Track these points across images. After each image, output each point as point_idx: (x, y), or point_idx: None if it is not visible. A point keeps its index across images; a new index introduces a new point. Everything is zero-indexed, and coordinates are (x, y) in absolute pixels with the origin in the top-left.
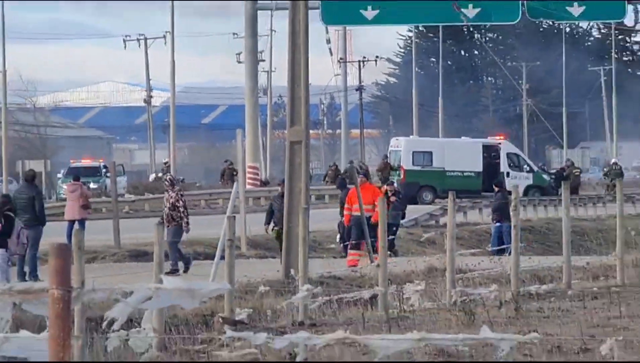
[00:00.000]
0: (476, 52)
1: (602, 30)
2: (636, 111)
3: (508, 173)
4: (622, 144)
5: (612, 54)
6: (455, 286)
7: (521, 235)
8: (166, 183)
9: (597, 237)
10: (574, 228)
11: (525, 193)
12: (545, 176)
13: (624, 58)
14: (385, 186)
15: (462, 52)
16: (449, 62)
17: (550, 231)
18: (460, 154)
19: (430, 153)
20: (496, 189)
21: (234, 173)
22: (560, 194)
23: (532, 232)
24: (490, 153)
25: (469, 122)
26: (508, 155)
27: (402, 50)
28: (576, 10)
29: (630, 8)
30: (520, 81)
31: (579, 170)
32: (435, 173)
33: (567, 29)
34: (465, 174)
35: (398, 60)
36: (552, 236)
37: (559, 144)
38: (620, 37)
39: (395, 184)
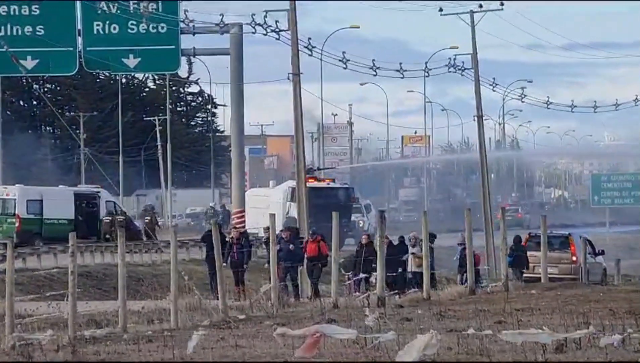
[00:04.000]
0: (35, 102)
1: (158, 82)
2: (189, 158)
3: None
4: (176, 191)
5: (167, 104)
6: (13, 331)
7: (79, 280)
8: None
9: (152, 282)
10: (130, 274)
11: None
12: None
13: (179, 108)
14: None
15: (22, 103)
16: (8, 113)
17: (107, 276)
18: (57, 203)
19: (42, 201)
20: None
21: None
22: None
23: (89, 277)
24: (88, 201)
25: (28, 170)
26: (107, 203)
27: None
28: (132, 62)
29: (184, 60)
30: (77, 131)
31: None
32: (41, 221)
33: (124, 80)
34: (60, 221)
35: None
36: (109, 281)
37: (115, 192)
38: (174, 88)
39: None
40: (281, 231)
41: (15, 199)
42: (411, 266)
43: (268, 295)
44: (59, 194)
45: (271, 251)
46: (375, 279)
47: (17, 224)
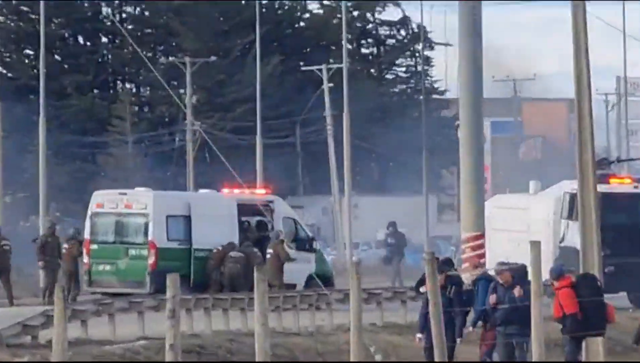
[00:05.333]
0: (105, 40)
1: (326, 2)
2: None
3: None
4: (359, 199)
5: (344, 43)
6: None
7: None
8: None
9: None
10: (278, 347)
11: (306, 284)
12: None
13: (364, 50)
14: None
15: (79, 39)
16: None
17: (233, 354)
18: (213, 220)
19: (189, 218)
20: None
21: None
22: None
23: (202, 353)
24: (256, 216)
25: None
26: (284, 221)
27: None
28: None
29: None
30: (182, 93)
31: None
32: (189, 253)
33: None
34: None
35: None
36: (236, 358)
37: None
38: (356, 13)
39: None
40: (498, 272)
41: (147, 214)
42: None
43: None
44: (215, 205)
45: (534, 306)
46: None
47: (151, 260)
